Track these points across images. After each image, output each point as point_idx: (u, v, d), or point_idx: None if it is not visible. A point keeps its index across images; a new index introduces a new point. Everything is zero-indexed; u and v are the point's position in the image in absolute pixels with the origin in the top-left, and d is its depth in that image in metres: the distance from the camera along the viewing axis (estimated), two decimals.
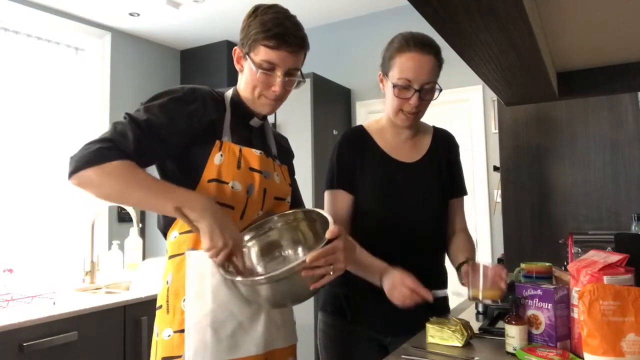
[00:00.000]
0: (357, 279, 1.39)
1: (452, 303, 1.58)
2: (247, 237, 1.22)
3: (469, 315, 1.47)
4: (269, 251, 1.25)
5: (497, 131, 2.92)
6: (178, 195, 1.07)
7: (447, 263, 1.53)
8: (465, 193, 1.58)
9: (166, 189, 1.08)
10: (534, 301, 1.09)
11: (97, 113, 3.83)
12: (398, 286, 1.27)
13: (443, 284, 1.52)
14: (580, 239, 1.63)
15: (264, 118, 1.33)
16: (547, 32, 1.20)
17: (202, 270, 1.13)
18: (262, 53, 1.17)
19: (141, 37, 4.21)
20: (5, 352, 1.66)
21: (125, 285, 2.55)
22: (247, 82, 1.22)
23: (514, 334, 1.07)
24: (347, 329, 1.46)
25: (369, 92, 3.77)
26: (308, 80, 3.40)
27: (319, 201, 3.21)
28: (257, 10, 1.20)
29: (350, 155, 1.47)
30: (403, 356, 1.10)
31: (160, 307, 1.18)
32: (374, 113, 3.61)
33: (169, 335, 1.14)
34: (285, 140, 1.49)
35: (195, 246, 1.15)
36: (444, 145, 1.55)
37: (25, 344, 1.70)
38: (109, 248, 3.07)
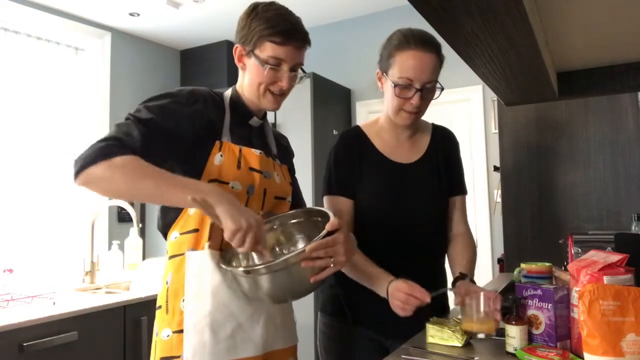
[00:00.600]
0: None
1: (452, 303, 1.58)
2: None
3: None
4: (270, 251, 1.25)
5: (497, 131, 2.92)
6: (193, 184, 1.05)
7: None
8: (465, 192, 1.54)
9: (180, 180, 1.05)
10: (534, 301, 1.09)
11: (97, 113, 3.82)
12: (395, 294, 1.25)
13: (443, 284, 1.51)
14: (580, 239, 1.63)
15: (263, 117, 1.33)
16: (547, 32, 1.20)
17: (201, 270, 1.13)
18: (269, 49, 1.17)
19: (141, 37, 4.21)
20: (5, 352, 1.66)
21: (125, 285, 2.55)
22: (251, 79, 1.22)
23: (514, 334, 1.07)
24: (347, 330, 1.45)
25: (369, 92, 3.76)
26: (308, 80, 3.40)
27: (319, 201, 3.19)
28: (257, 8, 1.20)
29: (347, 159, 1.45)
30: (403, 356, 1.10)
31: (160, 307, 1.18)
32: (374, 113, 3.59)
33: (168, 336, 1.14)
34: (285, 139, 1.48)
35: (196, 247, 1.15)
36: (444, 144, 1.52)
37: (25, 344, 1.70)
38: (109, 248, 3.07)
